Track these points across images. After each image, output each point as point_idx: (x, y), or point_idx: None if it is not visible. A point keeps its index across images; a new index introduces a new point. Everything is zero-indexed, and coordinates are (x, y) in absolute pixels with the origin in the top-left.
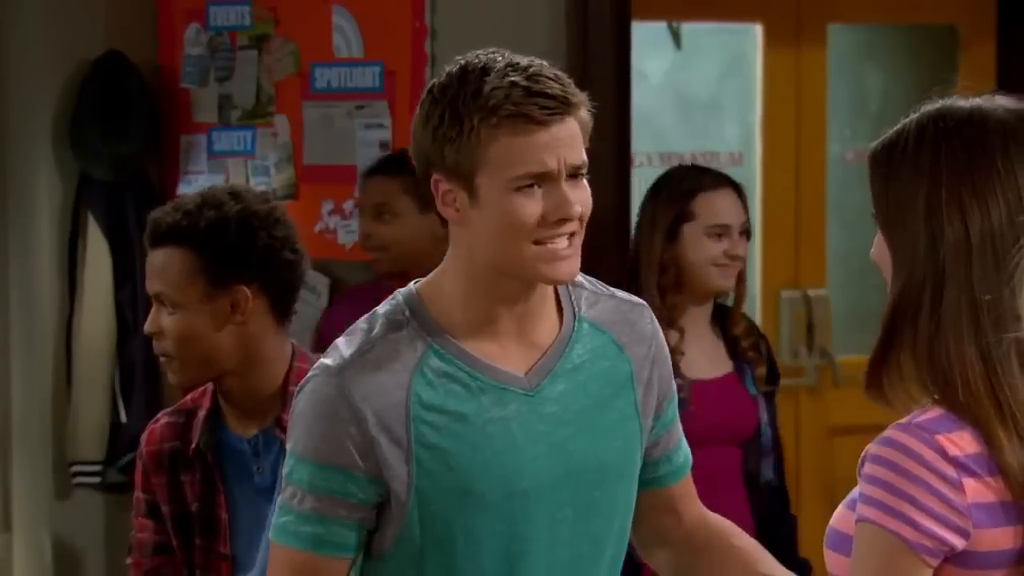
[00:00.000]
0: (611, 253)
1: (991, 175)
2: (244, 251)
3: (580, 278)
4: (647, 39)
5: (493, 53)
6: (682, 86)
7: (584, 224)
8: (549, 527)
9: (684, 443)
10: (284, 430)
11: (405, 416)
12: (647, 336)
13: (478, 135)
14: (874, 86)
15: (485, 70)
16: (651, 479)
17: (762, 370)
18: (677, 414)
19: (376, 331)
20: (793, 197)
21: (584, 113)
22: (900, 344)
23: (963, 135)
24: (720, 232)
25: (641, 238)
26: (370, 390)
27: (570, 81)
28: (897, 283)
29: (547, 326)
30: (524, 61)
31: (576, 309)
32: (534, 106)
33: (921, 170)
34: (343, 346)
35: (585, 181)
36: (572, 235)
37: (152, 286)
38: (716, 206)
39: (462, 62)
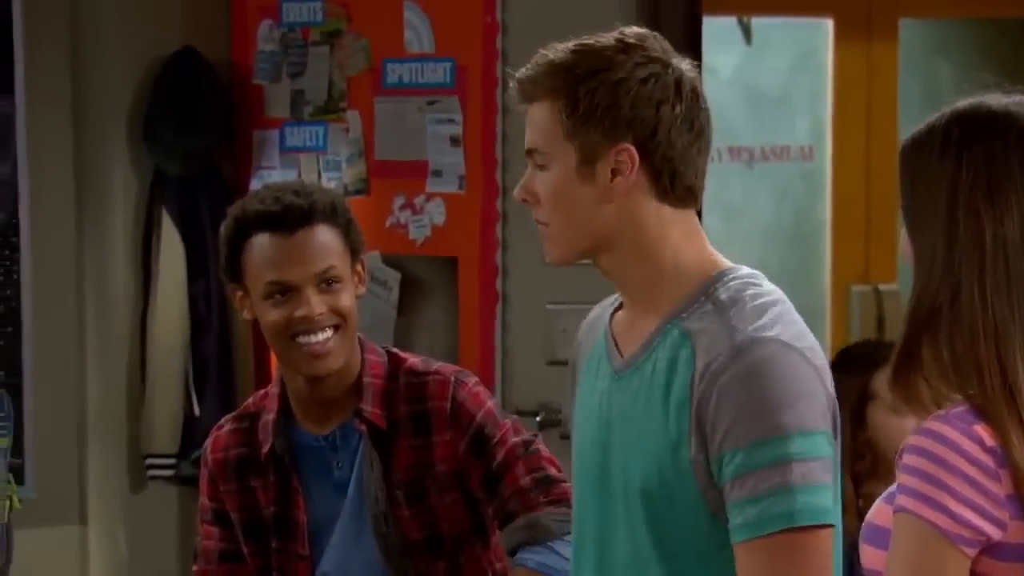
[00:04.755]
0: None
1: (1009, 185)
2: None
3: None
4: (718, 34)
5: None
6: (752, 81)
7: None
8: (599, 517)
9: (742, 509)
10: (363, 421)
11: None
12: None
13: None
14: (945, 81)
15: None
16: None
17: None
18: (739, 481)
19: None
20: (863, 192)
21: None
22: (922, 346)
23: (986, 142)
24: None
25: None
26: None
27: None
28: (917, 285)
29: (652, 320)
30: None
31: (683, 313)
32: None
33: (943, 176)
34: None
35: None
36: None
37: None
38: None
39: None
